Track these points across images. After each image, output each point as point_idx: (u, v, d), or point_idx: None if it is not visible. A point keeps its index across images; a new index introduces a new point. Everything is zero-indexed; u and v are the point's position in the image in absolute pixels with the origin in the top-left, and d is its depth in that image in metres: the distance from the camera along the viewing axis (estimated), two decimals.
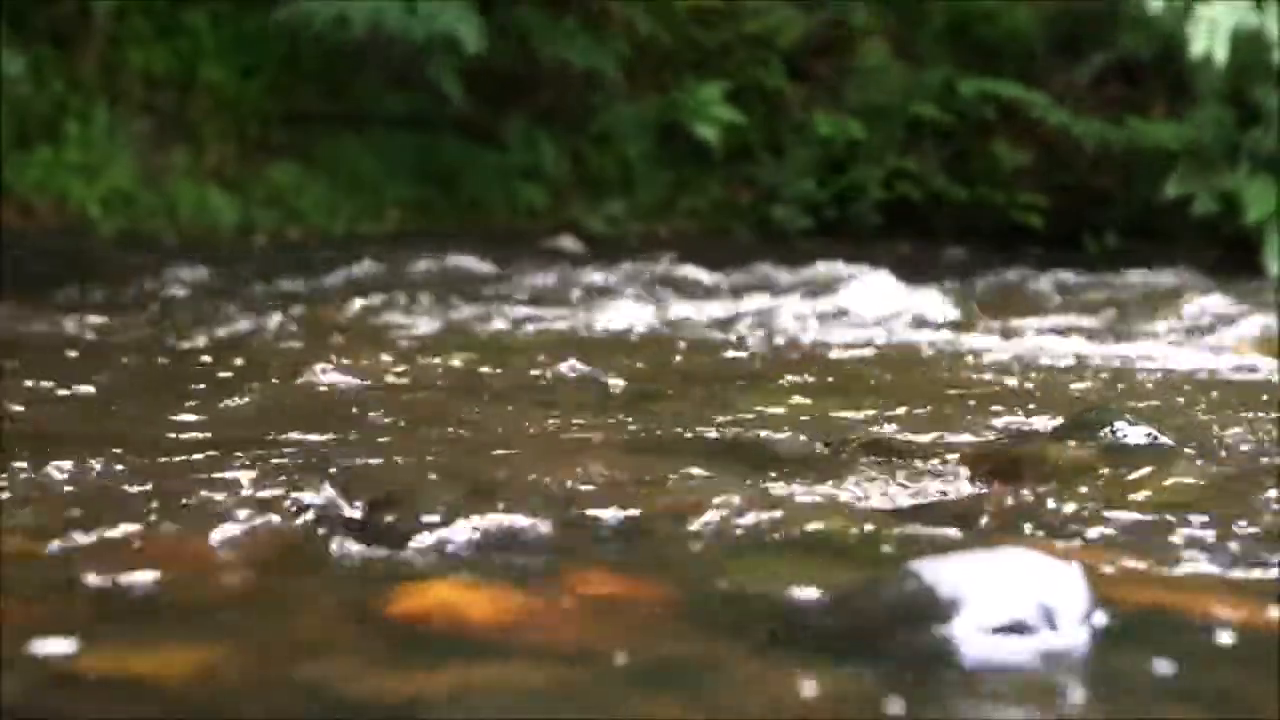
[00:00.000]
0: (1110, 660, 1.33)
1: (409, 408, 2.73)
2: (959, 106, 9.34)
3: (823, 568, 1.62)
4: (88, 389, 2.92)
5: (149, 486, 1.96)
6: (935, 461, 2.20)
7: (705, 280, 6.10)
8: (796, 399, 2.89)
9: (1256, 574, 1.65)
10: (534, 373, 3.35)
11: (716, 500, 1.89)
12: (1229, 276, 7.02)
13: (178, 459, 2.13)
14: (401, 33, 8.12)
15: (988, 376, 3.35)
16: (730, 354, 3.84)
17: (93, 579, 1.55)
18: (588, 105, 9.41)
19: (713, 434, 2.49)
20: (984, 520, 1.86)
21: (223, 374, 3.18)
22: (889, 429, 2.49)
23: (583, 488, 1.94)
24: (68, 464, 2.08)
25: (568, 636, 1.39)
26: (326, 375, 3.04)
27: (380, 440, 2.37)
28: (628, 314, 4.71)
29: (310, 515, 1.80)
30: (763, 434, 2.49)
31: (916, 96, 9.43)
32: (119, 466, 2.07)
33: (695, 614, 1.46)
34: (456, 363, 3.49)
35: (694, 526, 1.80)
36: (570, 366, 3.43)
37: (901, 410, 2.70)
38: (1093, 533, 1.79)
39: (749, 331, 4.35)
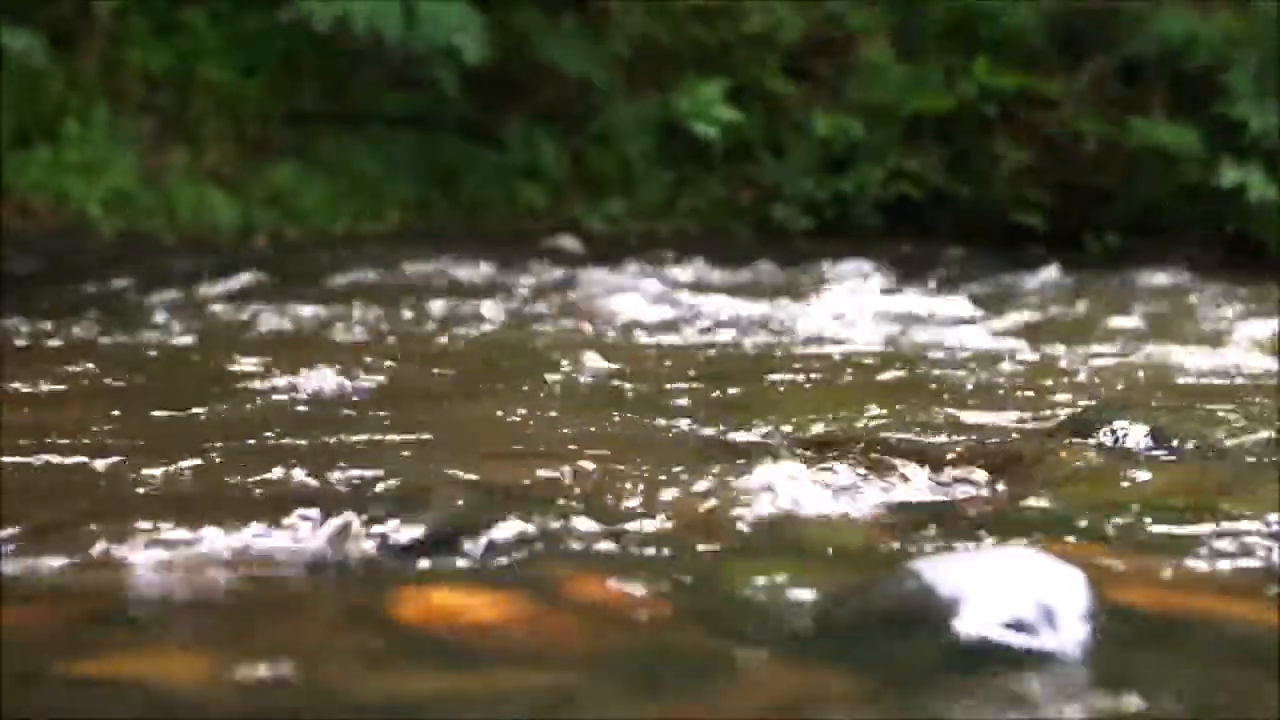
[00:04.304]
0: (1110, 660, 1.33)
1: (410, 409, 2.73)
2: (960, 102, 9.33)
3: (823, 568, 1.62)
4: (88, 390, 2.92)
5: (150, 487, 1.96)
6: (936, 461, 2.19)
7: (705, 280, 6.10)
8: (796, 398, 2.89)
9: (1256, 574, 1.65)
10: (534, 374, 3.35)
11: (716, 501, 1.89)
12: (1230, 276, 7.02)
13: (178, 460, 2.12)
14: (401, 42, 8.12)
15: (988, 376, 3.34)
16: (730, 354, 3.84)
17: (93, 580, 1.55)
18: (588, 105, 9.40)
19: (713, 434, 2.49)
20: (984, 520, 1.86)
21: (224, 375, 3.18)
22: (889, 429, 2.49)
23: (583, 488, 1.94)
24: (68, 465, 2.08)
25: (568, 640, 1.38)
26: (328, 376, 3.04)
27: (381, 442, 2.37)
28: (627, 314, 4.71)
29: (312, 516, 1.80)
30: (763, 434, 2.49)
31: (917, 94, 9.42)
32: (120, 468, 2.07)
33: (696, 616, 1.46)
34: (456, 363, 3.49)
35: (694, 527, 1.79)
36: (570, 367, 3.43)
37: (902, 410, 2.70)
38: (1093, 533, 1.79)
39: (749, 331, 4.35)
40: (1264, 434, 2.46)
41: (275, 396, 2.83)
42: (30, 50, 7.72)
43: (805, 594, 1.49)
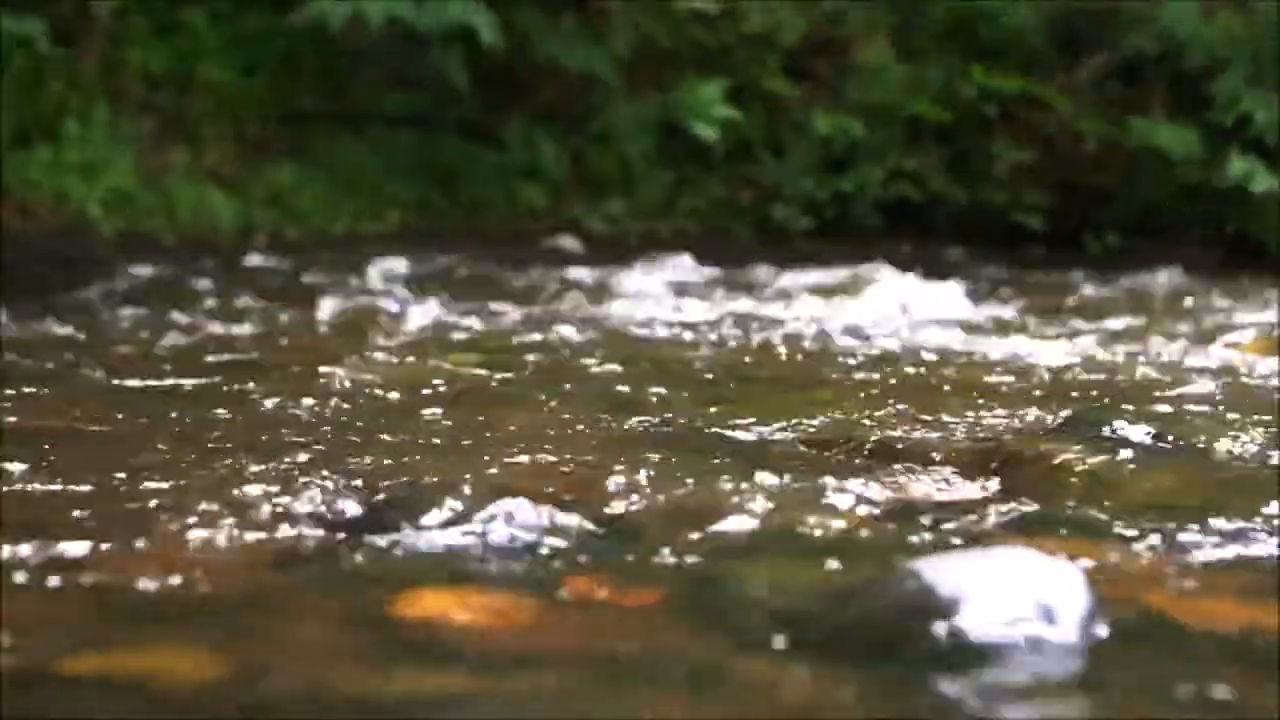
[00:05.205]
0: (1110, 659, 1.33)
1: (409, 409, 2.73)
2: (959, 105, 9.33)
3: (823, 568, 1.62)
4: (88, 390, 2.92)
5: (150, 488, 1.96)
6: (935, 461, 2.19)
7: (705, 280, 6.10)
8: (797, 399, 2.89)
9: (1256, 574, 1.65)
10: (534, 373, 3.35)
11: (717, 501, 1.89)
12: (1230, 276, 7.02)
13: (179, 460, 2.12)
14: (416, 24, 8.13)
15: (988, 376, 3.34)
16: (730, 354, 3.84)
17: (94, 580, 1.55)
18: (588, 105, 9.39)
19: (713, 434, 2.49)
20: (984, 520, 1.86)
21: (223, 375, 3.18)
22: (889, 429, 2.49)
23: (583, 488, 1.94)
24: (69, 465, 2.08)
25: (568, 639, 1.39)
26: (327, 377, 3.04)
27: (381, 442, 2.37)
28: (627, 314, 4.71)
29: (312, 517, 1.80)
30: (763, 434, 2.49)
31: (917, 95, 9.43)
32: (120, 467, 2.07)
33: (696, 616, 1.46)
34: (456, 364, 3.49)
35: (695, 527, 1.79)
36: (570, 367, 3.43)
37: (902, 410, 2.70)
38: (1093, 532, 1.79)
39: (748, 331, 4.35)
40: (1264, 434, 2.46)
41: (275, 397, 2.83)
42: (34, 37, 7.73)
43: (805, 594, 1.49)
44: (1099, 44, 9.52)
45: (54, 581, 1.54)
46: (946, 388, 3.17)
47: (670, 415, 2.67)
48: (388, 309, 4.71)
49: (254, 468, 2.05)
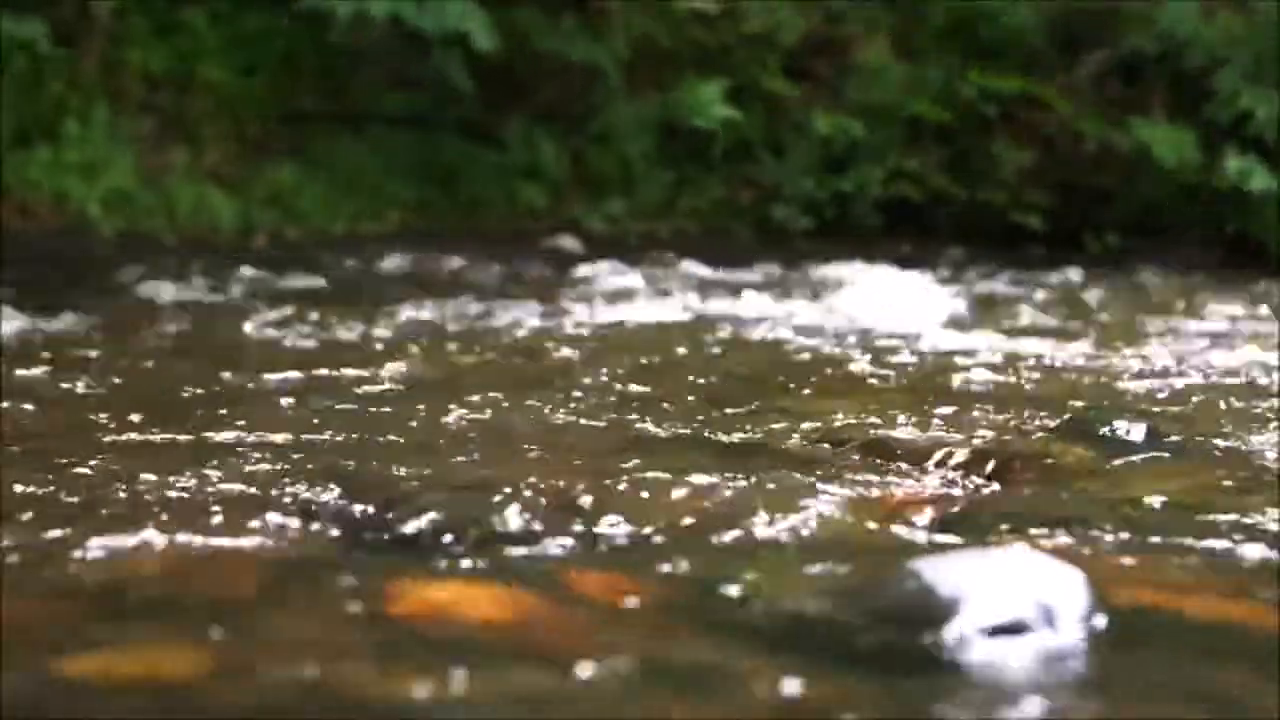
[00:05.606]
0: (1109, 659, 1.33)
1: (410, 408, 2.73)
2: (959, 105, 9.33)
3: (824, 568, 1.62)
4: (88, 391, 2.92)
5: (150, 487, 1.96)
6: (936, 461, 2.19)
7: (705, 280, 6.10)
8: (797, 399, 2.89)
9: (1256, 574, 1.65)
10: (533, 373, 3.35)
11: (717, 501, 1.89)
12: (1230, 276, 7.02)
13: (179, 460, 2.12)
14: (418, 24, 8.14)
15: (988, 376, 3.34)
16: (730, 354, 3.84)
17: (93, 579, 1.55)
18: (588, 105, 9.39)
19: (713, 434, 2.49)
20: (984, 520, 1.86)
21: (223, 375, 3.18)
22: (889, 429, 2.49)
23: (584, 488, 1.94)
24: (69, 465, 2.08)
25: (569, 638, 1.39)
26: (325, 376, 3.04)
27: (382, 441, 2.37)
28: (628, 314, 4.71)
29: (313, 515, 1.80)
30: (763, 434, 2.49)
31: (917, 95, 9.43)
32: (120, 468, 2.07)
33: (696, 615, 1.46)
34: (457, 363, 3.49)
35: (695, 527, 1.79)
36: (570, 367, 3.43)
37: (901, 410, 2.70)
38: (1093, 532, 1.79)
39: (749, 332, 4.35)
40: (1264, 434, 2.46)
41: (277, 396, 2.83)
42: (35, 39, 7.74)
43: (805, 594, 1.49)
44: (1099, 44, 9.52)
45: (53, 581, 1.54)
46: (946, 388, 3.17)
47: (670, 415, 2.67)
48: (387, 308, 4.71)
49: (253, 466, 2.05)
